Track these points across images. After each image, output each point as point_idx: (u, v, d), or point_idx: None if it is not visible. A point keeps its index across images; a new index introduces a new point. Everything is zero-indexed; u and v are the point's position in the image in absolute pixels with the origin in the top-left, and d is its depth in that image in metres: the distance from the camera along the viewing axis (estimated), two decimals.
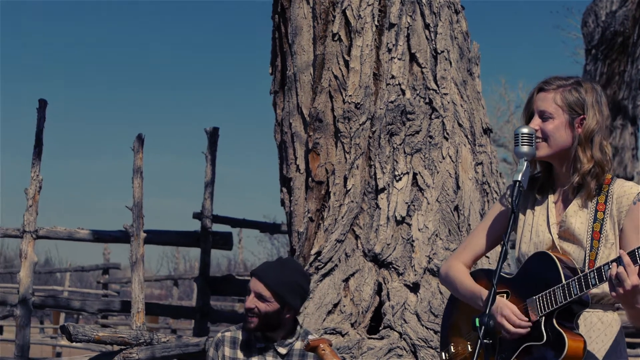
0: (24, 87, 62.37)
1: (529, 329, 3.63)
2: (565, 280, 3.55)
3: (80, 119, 65.32)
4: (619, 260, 3.39)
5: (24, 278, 9.95)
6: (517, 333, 3.65)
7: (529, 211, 3.84)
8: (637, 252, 3.38)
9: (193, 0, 68.67)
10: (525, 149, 3.72)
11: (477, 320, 3.53)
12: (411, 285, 6.54)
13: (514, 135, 3.76)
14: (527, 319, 3.63)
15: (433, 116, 6.98)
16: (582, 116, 3.68)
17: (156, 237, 10.55)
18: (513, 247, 4.06)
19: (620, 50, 19.58)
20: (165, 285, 37.37)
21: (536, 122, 3.74)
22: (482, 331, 3.51)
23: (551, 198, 3.80)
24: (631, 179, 19.11)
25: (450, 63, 7.14)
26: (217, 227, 11.30)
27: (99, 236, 10.41)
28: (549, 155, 3.72)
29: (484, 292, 3.77)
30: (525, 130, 3.73)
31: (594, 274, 3.47)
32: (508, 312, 3.65)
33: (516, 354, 3.68)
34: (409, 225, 6.73)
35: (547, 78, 3.80)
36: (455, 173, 6.91)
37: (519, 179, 3.69)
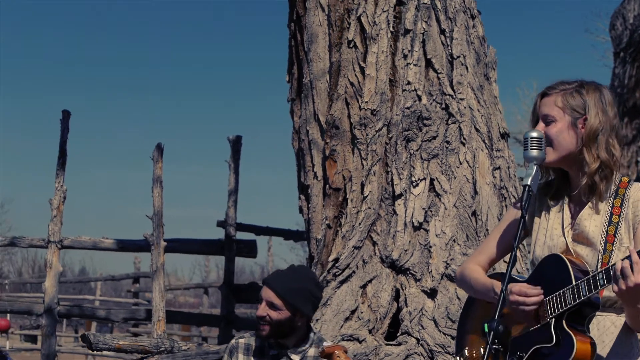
0: (48, 98, 62.81)
1: (542, 296, 3.60)
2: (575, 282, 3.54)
3: (106, 129, 65.70)
4: (627, 258, 3.38)
5: (49, 288, 10.03)
6: (533, 302, 3.61)
7: (544, 214, 3.82)
8: None
9: (215, 10, 69.12)
10: (534, 152, 3.70)
11: (486, 325, 3.51)
12: (428, 291, 6.53)
13: (524, 139, 3.75)
14: (538, 287, 3.60)
15: (450, 121, 6.97)
16: (584, 116, 3.65)
17: (181, 246, 10.59)
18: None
19: None
20: (199, 294, 37.54)
21: (540, 127, 3.72)
22: (490, 336, 3.49)
23: (566, 202, 3.78)
24: None
25: (467, 68, 7.12)
26: (243, 235, 11.32)
27: (123, 245, 10.46)
28: (556, 160, 3.70)
29: (497, 284, 3.75)
30: (534, 134, 3.71)
31: (602, 274, 3.46)
32: (518, 288, 3.63)
33: (527, 355, 3.66)
34: (427, 231, 6.72)
35: (553, 83, 3.78)
36: (473, 178, 6.89)
37: (529, 183, 3.67)
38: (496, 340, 3.48)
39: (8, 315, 19.30)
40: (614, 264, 3.40)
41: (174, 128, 64.95)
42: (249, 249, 10.88)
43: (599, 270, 3.54)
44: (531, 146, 3.70)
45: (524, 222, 3.66)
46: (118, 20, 67.89)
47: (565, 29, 63.26)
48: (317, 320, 6.50)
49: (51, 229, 10.18)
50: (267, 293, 4.60)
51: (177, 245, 10.40)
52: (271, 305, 4.57)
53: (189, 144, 66.20)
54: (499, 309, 3.54)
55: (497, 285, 3.74)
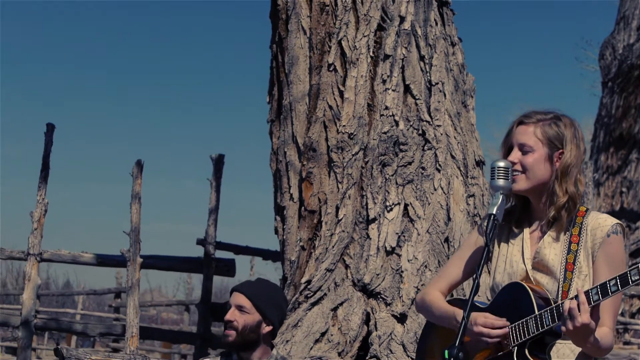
0: (33, 110, 62.57)
1: (507, 329, 3.64)
2: (538, 311, 3.57)
3: (89, 143, 65.40)
4: (575, 297, 3.42)
5: (27, 300, 10.03)
6: (498, 335, 3.65)
7: (503, 243, 3.87)
8: (591, 293, 3.41)
9: (202, 29, 69.22)
10: (501, 182, 3.74)
11: (446, 352, 3.54)
12: (398, 315, 6.56)
13: (491, 168, 3.79)
14: (504, 319, 3.64)
15: (426, 147, 7.02)
16: (561, 150, 3.71)
17: (159, 263, 10.59)
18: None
19: (637, 83, 19.55)
20: (182, 310, 37.45)
21: (516, 155, 3.76)
22: None
23: (527, 230, 3.83)
24: None
25: (445, 95, 7.18)
26: (222, 254, 11.33)
27: (103, 260, 10.45)
28: (527, 188, 3.75)
29: (459, 312, 3.78)
30: (501, 164, 3.75)
31: (551, 312, 3.52)
32: (483, 320, 3.66)
33: None
34: (399, 255, 6.75)
35: (527, 112, 3.83)
36: (447, 204, 6.93)
37: (494, 212, 3.71)
38: None
39: None
40: (562, 303, 3.45)
41: (156, 144, 64.87)
42: (228, 268, 10.89)
43: (561, 299, 3.59)
44: (498, 176, 3.75)
45: (488, 251, 3.70)
46: (105, 33, 67.59)
47: (556, 56, 63.74)
48: (287, 341, 6.52)
49: (31, 242, 10.18)
50: (237, 297, 4.63)
51: (155, 262, 10.41)
52: (240, 308, 4.60)
53: (172, 160, 66.13)
54: (459, 335, 3.57)
55: (458, 312, 3.77)
